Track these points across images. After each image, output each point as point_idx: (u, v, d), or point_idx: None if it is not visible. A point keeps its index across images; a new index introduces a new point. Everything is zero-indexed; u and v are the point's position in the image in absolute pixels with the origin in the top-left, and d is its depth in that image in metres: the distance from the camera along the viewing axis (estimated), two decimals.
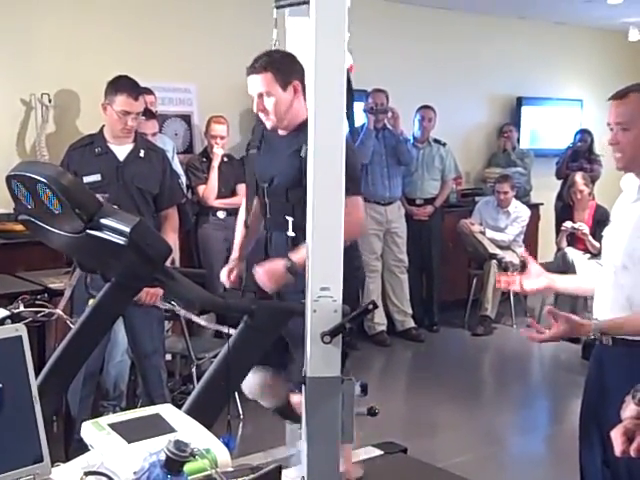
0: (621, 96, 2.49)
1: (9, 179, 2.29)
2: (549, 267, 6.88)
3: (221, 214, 5.43)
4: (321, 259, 2.41)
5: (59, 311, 2.83)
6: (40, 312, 2.76)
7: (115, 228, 2.12)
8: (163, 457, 1.40)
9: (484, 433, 4.72)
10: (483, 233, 6.76)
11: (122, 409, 4.35)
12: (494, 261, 6.71)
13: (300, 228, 2.80)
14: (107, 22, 5.71)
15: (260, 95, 2.90)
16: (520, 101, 8.23)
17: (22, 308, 2.74)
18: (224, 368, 2.31)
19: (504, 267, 6.71)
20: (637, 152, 2.48)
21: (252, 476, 1.33)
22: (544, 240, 7.81)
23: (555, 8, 7.68)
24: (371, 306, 2.39)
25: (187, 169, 5.50)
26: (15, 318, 2.64)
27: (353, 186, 2.88)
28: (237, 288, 3.07)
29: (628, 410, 1.65)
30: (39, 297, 3.13)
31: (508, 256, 6.75)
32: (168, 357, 4.56)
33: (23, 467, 1.44)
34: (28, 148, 5.42)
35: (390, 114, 6.21)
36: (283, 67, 2.88)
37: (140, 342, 3.89)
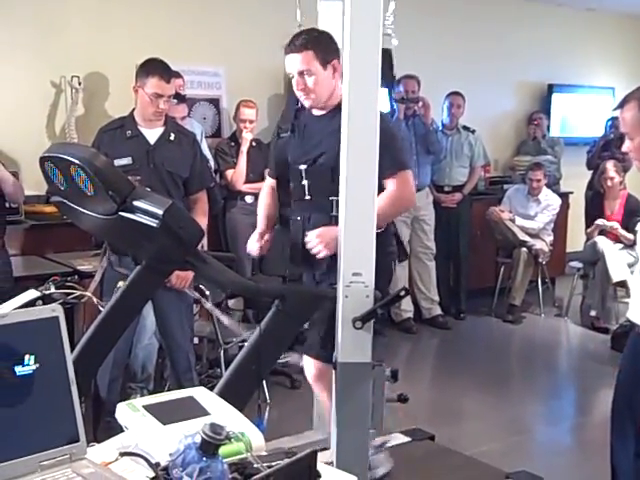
0: (620, 105, 2.49)
1: (42, 161, 2.29)
2: (579, 257, 6.86)
3: (249, 199, 5.41)
4: (353, 245, 2.40)
5: (89, 293, 2.84)
6: (70, 294, 2.78)
7: (148, 210, 2.12)
8: (198, 439, 1.39)
9: (511, 422, 4.69)
10: (513, 220, 6.71)
11: (149, 392, 4.38)
12: (524, 249, 6.66)
13: None
14: (136, 5, 5.72)
15: (300, 73, 2.87)
16: (551, 88, 8.14)
17: (53, 290, 2.75)
18: (255, 352, 2.30)
19: (534, 254, 6.66)
20: None
21: (288, 460, 1.32)
22: (573, 229, 7.74)
23: None
24: (403, 292, 2.38)
25: (216, 153, 5.49)
26: (46, 299, 2.66)
27: (399, 162, 2.89)
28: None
29: None
30: (69, 279, 3.15)
31: (538, 244, 6.69)
32: (195, 341, 4.56)
33: (59, 447, 1.44)
34: (58, 130, 5.44)
35: (420, 103, 6.17)
36: (323, 45, 2.87)
37: (169, 326, 3.89)
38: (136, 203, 2.14)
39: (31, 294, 2.67)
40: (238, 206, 5.43)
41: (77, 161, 2.13)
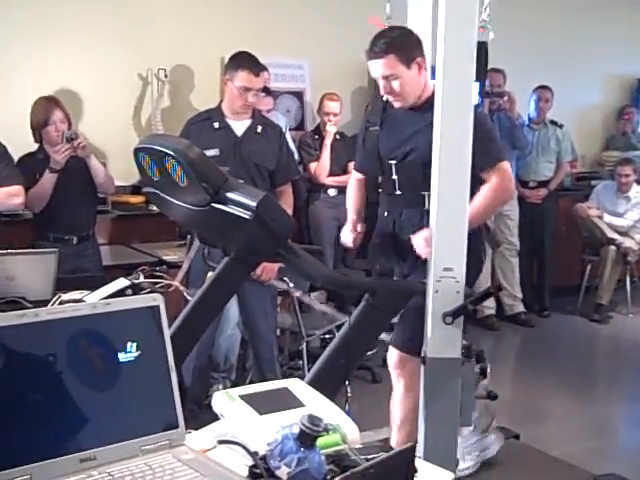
0: None
1: (136, 151, 2.32)
2: None
3: (332, 192, 5.41)
4: (445, 240, 2.38)
5: (177, 283, 2.89)
6: (158, 283, 2.82)
7: (241, 202, 2.13)
8: (296, 430, 1.39)
9: (596, 424, 4.57)
10: (601, 217, 6.54)
11: (232, 382, 4.43)
12: (612, 246, 6.49)
13: None
14: None
15: (385, 78, 2.86)
16: None
17: (142, 279, 2.80)
18: (344, 346, 2.30)
19: (623, 252, 6.48)
20: None
21: (388, 454, 1.31)
22: None
23: None
24: (494, 289, 2.34)
25: (299, 146, 5.51)
26: (135, 288, 2.71)
27: (497, 154, 2.87)
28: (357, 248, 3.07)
29: None
30: (158, 269, 3.20)
31: (627, 242, 6.51)
32: (277, 332, 4.60)
33: (160, 432, 1.45)
34: (144, 122, 5.54)
35: (506, 98, 6.06)
36: (404, 46, 2.83)
37: (253, 318, 3.92)
38: (229, 195, 2.15)
39: (121, 283, 2.73)
40: (321, 199, 5.43)
41: (171, 152, 2.16)
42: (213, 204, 2.18)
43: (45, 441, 1.33)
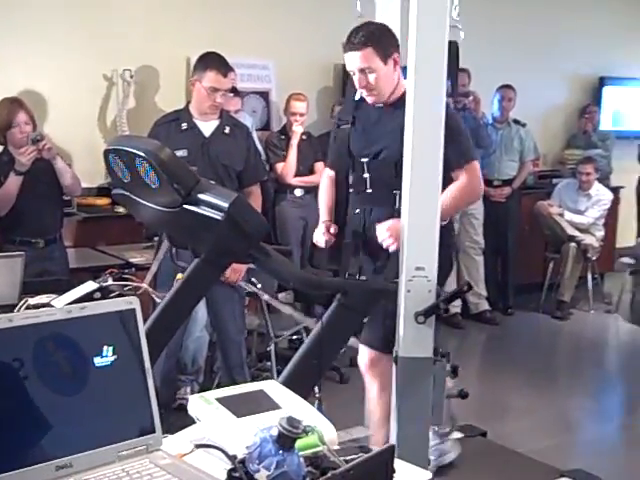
0: None
1: (107, 153, 2.30)
2: (630, 252, 6.75)
3: (299, 192, 5.42)
4: (417, 239, 2.39)
5: (145, 285, 2.87)
6: (127, 286, 2.80)
7: (213, 203, 2.12)
8: (275, 432, 1.39)
9: (560, 419, 4.64)
10: (562, 215, 6.63)
11: (199, 384, 4.41)
12: (573, 244, 6.58)
13: None
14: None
15: (361, 71, 2.86)
16: (602, 81, 8.01)
17: (110, 282, 2.78)
18: (317, 346, 2.30)
19: (584, 249, 6.57)
20: None
21: (368, 455, 1.32)
22: (623, 224, 7.63)
23: None
24: (466, 287, 2.36)
25: (266, 146, 5.50)
26: (104, 291, 2.68)
27: (467, 154, 2.90)
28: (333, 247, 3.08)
29: None
30: (127, 271, 3.17)
31: (588, 239, 6.60)
32: (245, 334, 4.59)
33: (136, 437, 1.44)
34: (109, 123, 5.49)
35: (471, 97, 6.11)
36: (382, 40, 2.85)
37: (222, 319, 3.91)
38: (201, 196, 2.15)
39: (89, 286, 2.70)
40: (288, 199, 5.44)
41: (142, 153, 2.14)
42: (184, 205, 2.17)
43: (20, 449, 1.32)
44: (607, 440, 4.51)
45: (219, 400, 1.59)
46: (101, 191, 5.36)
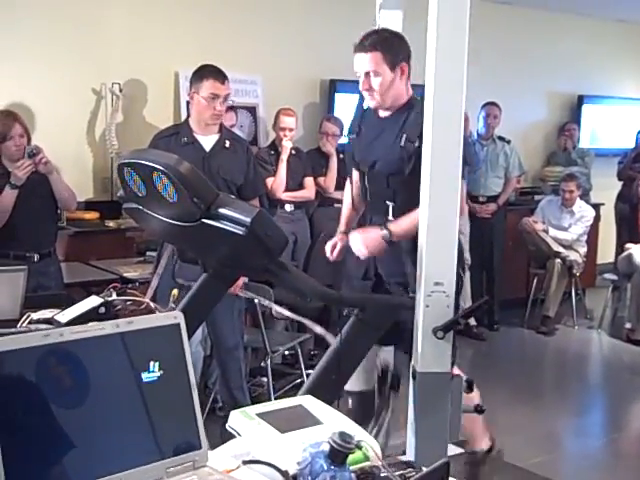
0: None
1: (121, 167, 2.27)
2: (611, 268, 6.83)
3: (288, 207, 5.42)
4: (436, 254, 2.39)
5: (148, 300, 2.84)
6: (130, 301, 2.77)
7: (234, 218, 2.10)
8: (326, 448, 1.38)
9: (545, 435, 4.64)
10: (546, 231, 6.69)
11: None
12: (558, 260, 6.64)
13: (401, 213, 2.83)
14: (175, 14, 5.73)
15: (367, 74, 2.88)
16: (581, 99, 8.13)
17: (114, 296, 2.75)
18: (335, 362, 2.29)
19: (568, 265, 6.64)
20: None
21: (426, 471, 1.31)
22: (604, 240, 7.72)
23: (617, 5, 7.55)
24: (484, 302, 2.37)
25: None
26: (108, 306, 2.66)
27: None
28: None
29: None
30: (130, 286, 3.14)
31: (572, 255, 6.67)
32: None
33: (183, 453, 1.42)
34: (97, 137, 5.45)
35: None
36: (393, 47, 2.87)
37: (222, 334, 3.88)
38: (221, 210, 2.13)
39: (94, 300, 2.67)
40: (278, 214, 5.41)
41: (161, 167, 2.12)
42: (204, 220, 2.16)
43: (73, 466, 1.29)
44: (592, 455, 4.52)
45: (260, 415, 1.58)
46: (89, 205, 5.31)
